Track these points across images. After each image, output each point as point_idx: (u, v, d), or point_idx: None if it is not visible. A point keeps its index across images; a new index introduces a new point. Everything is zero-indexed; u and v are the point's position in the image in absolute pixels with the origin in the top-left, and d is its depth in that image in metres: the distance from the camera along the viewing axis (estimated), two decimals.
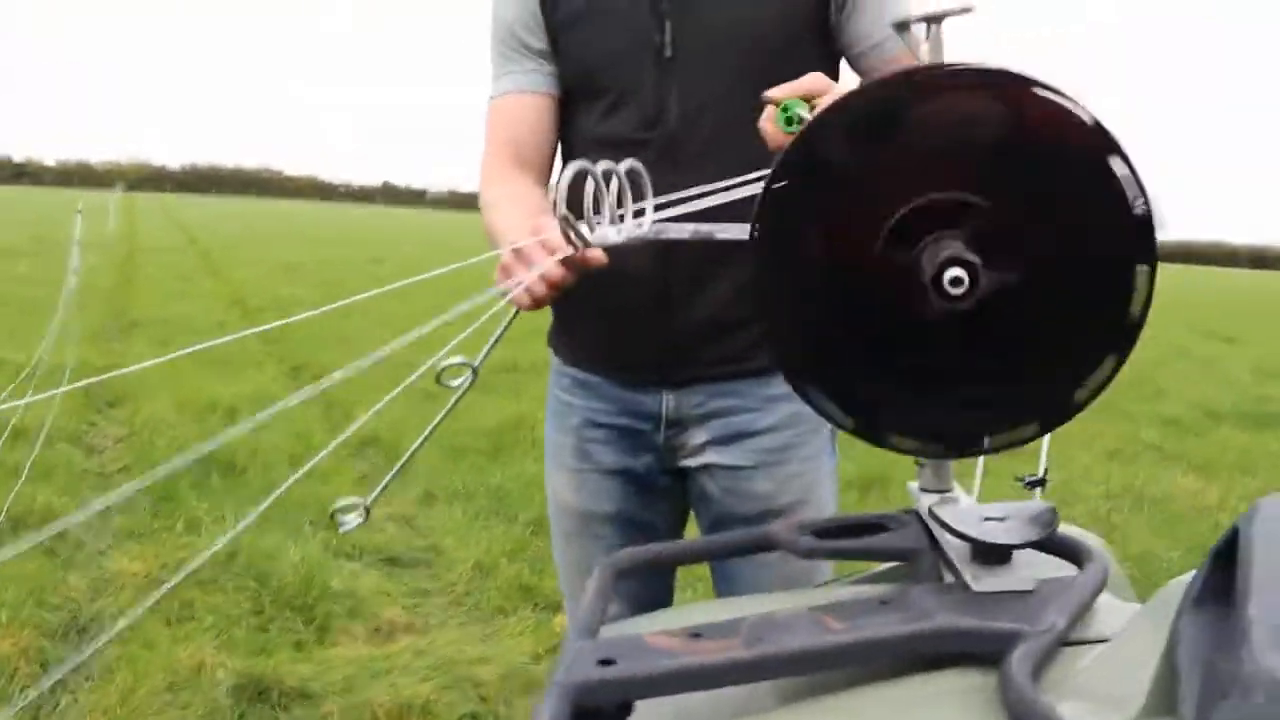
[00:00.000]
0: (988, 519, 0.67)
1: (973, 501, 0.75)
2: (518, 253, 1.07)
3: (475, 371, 1.16)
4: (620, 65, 1.32)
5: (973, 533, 0.65)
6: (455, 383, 1.18)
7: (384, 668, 2.49)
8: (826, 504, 1.42)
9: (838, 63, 1.36)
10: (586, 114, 1.37)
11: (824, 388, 0.72)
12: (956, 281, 0.61)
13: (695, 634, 0.65)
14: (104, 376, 1.33)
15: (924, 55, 0.94)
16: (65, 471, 3.94)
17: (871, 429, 0.71)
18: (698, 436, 1.38)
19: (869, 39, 1.31)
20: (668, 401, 1.36)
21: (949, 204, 0.65)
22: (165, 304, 8.55)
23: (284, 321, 1.31)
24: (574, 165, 0.91)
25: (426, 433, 1.27)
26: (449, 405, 1.22)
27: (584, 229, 0.99)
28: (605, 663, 0.61)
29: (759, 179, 0.92)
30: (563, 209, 0.92)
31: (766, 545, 0.79)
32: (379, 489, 1.34)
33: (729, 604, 0.88)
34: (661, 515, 1.45)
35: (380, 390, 1.01)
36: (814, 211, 0.69)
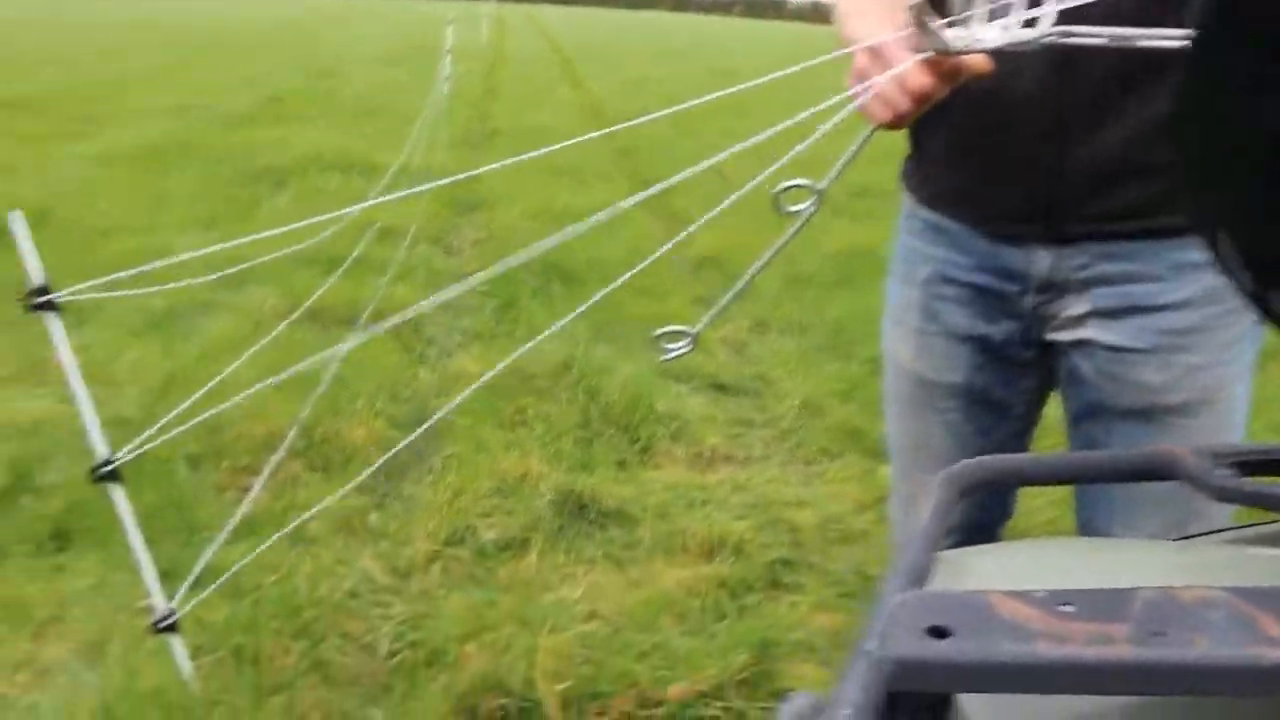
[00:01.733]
0: None
1: None
2: (874, 51, 0.84)
3: (819, 196, 0.96)
4: None
5: None
6: (796, 208, 0.98)
7: (700, 498, 2.43)
8: (1235, 413, 1.10)
9: None
10: None
11: (1244, 246, 0.47)
12: None
13: (1063, 604, 0.44)
14: (460, 177, 1.27)
15: None
16: (425, 270, 4.17)
17: None
18: (1077, 306, 1.09)
19: None
20: (1043, 260, 1.08)
21: None
22: (525, 113, 8.85)
23: (629, 124, 1.16)
24: None
25: (760, 263, 1.09)
26: (788, 233, 1.03)
27: (959, 29, 0.74)
28: (937, 633, 0.42)
29: None
30: None
31: (1162, 473, 0.56)
32: (707, 319, 1.19)
33: (1103, 548, 0.65)
34: (1017, 393, 1.20)
35: (724, 209, 0.87)
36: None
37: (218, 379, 1.92)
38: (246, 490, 2.39)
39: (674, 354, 1.07)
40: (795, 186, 0.87)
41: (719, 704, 1.74)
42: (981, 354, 1.17)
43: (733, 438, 2.86)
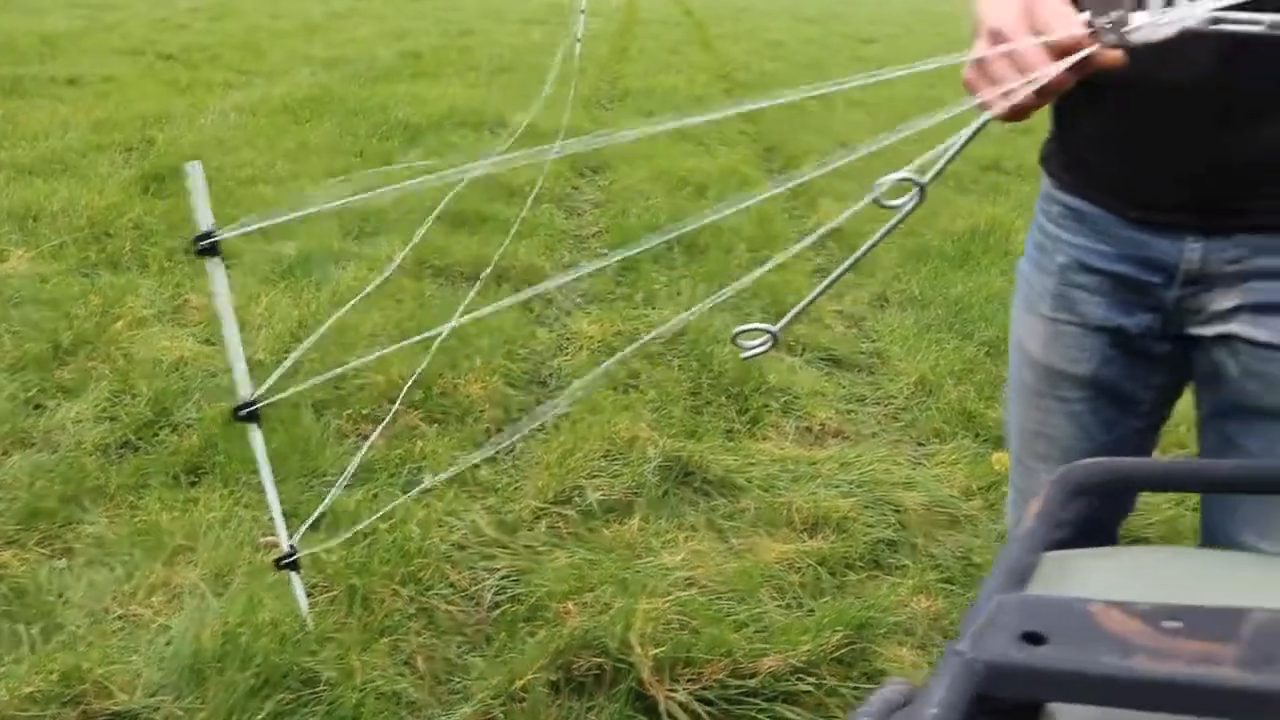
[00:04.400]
0: None
1: None
2: (997, 37, 0.82)
3: (922, 190, 0.95)
4: None
5: None
6: (897, 202, 0.98)
7: (807, 473, 2.43)
8: None
9: None
10: None
11: None
12: None
13: (1169, 619, 0.43)
14: (588, 142, 1.28)
15: None
16: (547, 230, 4.23)
17: None
18: (1226, 300, 1.04)
19: None
20: (1195, 250, 1.03)
21: None
22: (654, 75, 8.83)
23: (757, 105, 1.17)
24: None
25: (856, 256, 1.09)
26: (888, 225, 1.02)
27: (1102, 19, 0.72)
28: (1033, 639, 0.42)
29: None
30: None
31: None
32: (787, 319, 1.19)
33: (1219, 562, 0.63)
34: (1147, 388, 1.16)
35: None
36: None
37: (333, 321, 1.99)
38: (366, 438, 2.49)
39: (752, 352, 1.07)
40: (899, 180, 0.86)
41: (812, 680, 1.75)
42: (1114, 347, 1.14)
43: (844, 413, 2.84)
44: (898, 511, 2.30)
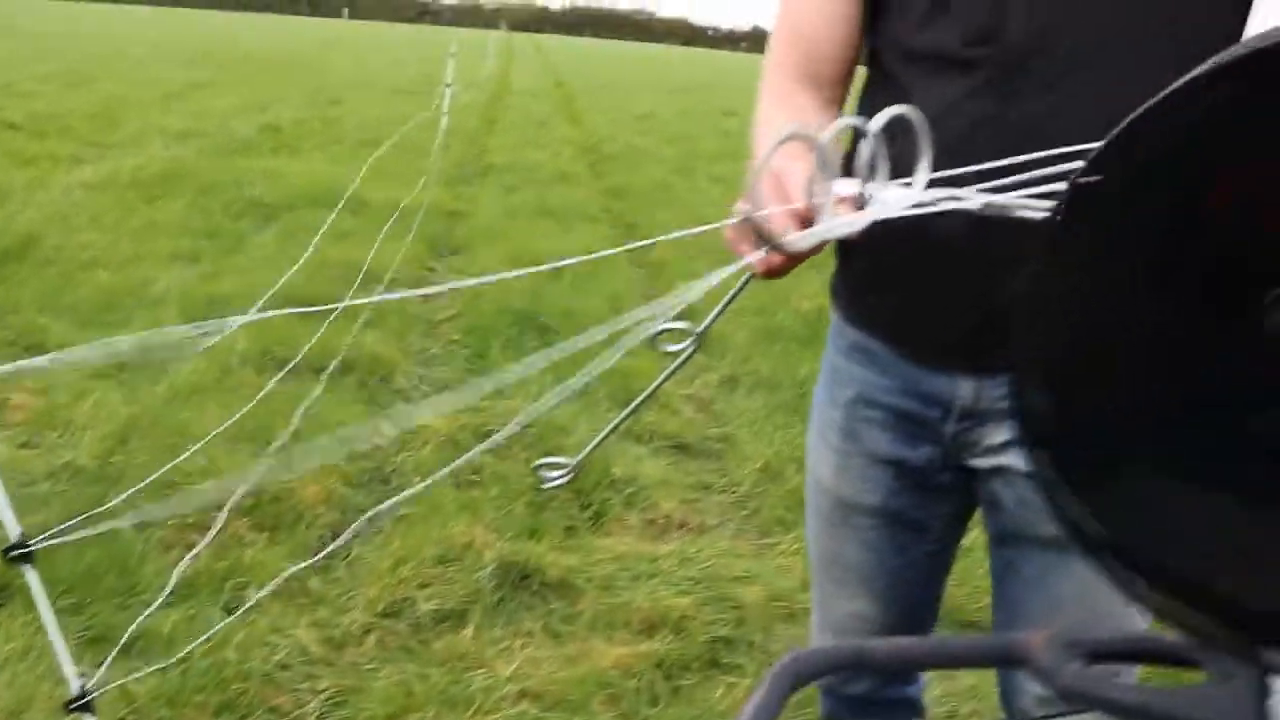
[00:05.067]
0: None
1: None
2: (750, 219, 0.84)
3: (697, 339, 0.97)
4: None
5: None
6: (674, 348, 0.99)
7: (648, 570, 2.42)
8: None
9: None
10: (900, 15, 1.05)
11: (1076, 465, 0.48)
12: None
13: None
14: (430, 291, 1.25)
15: None
16: (399, 316, 4.17)
17: (1128, 556, 0.47)
18: (997, 434, 1.09)
19: None
20: (967, 388, 1.08)
21: None
22: (521, 149, 8.89)
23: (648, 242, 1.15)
24: (789, 130, 0.67)
25: (639, 400, 1.10)
26: (667, 371, 1.03)
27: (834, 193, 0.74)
28: None
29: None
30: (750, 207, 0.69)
31: (1016, 661, 0.55)
32: (585, 452, 1.19)
33: None
34: (935, 516, 1.19)
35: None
36: (1134, 225, 0.46)
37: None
38: (192, 548, 2.39)
39: (552, 485, 1.07)
40: (671, 330, 0.87)
41: None
42: (900, 478, 1.17)
43: (689, 503, 2.86)
44: (736, 607, 2.30)
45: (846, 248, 1.16)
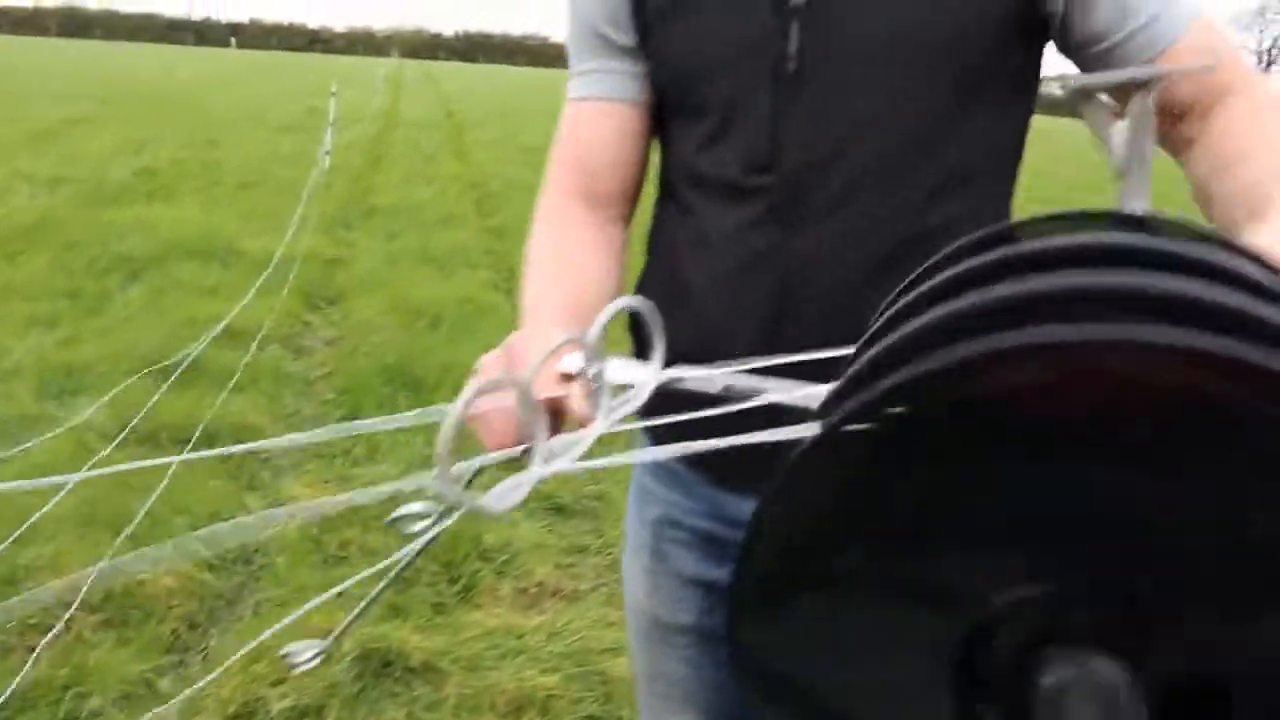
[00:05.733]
0: None
1: None
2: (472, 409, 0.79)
3: (440, 519, 0.93)
4: (723, 76, 0.97)
5: None
6: (417, 527, 0.95)
7: (515, 648, 2.38)
8: None
9: (1034, 86, 0.98)
10: (684, 136, 1.04)
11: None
12: None
13: None
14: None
15: (1116, 153, 0.60)
16: (271, 377, 4.06)
17: None
18: None
19: (1115, 31, 0.91)
20: None
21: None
22: (406, 187, 8.78)
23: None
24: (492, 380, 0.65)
25: (388, 579, 1.06)
26: (418, 547, 0.99)
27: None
28: None
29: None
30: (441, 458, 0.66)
31: None
32: (340, 629, 1.15)
33: None
34: None
35: None
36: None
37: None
38: (34, 649, 2.27)
39: (303, 666, 1.00)
40: (410, 515, 0.83)
41: None
42: (711, 596, 1.16)
43: (563, 569, 2.83)
44: (604, 683, 2.28)
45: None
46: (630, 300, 0.67)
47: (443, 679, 2.27)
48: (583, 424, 0.65)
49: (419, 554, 0.92)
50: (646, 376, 0.65)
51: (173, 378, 3.49)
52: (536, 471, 0.59)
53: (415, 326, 4.76)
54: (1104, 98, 0.60)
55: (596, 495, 3.29)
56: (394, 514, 0.70)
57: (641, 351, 1.15)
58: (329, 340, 4.68)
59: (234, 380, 3.80)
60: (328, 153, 8.27)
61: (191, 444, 3.26)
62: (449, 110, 18.97)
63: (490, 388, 0.55)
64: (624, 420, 0.63)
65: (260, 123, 13.72)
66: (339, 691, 2.18)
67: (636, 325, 1.14)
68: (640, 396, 0.69)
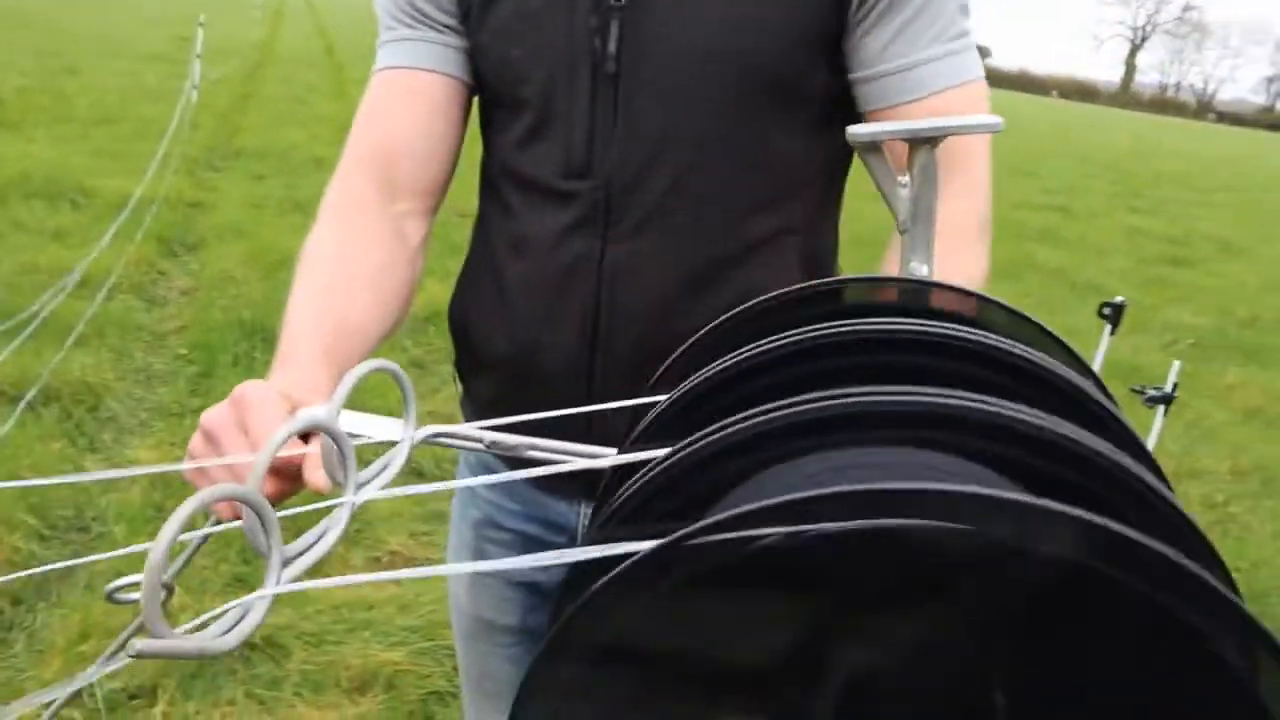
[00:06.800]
0: None
1: None
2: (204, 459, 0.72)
3: (169, 592, 0.85)
4: (543, 68, 0.92)
5: None
6: (131, 598, 0.87)
7: (363, 620, 2.33)
8: None
9: (848, 101, 0.95)
10: (504, 130, 0.99)
11: None
12: None
13: None
14: None
15: (901, 208, 0.59)
16: (118, 330, 3.86)
17: None
18: None
19: (888, 59, 0.90)
20: (588, 514, 1.06)
21: None
22: (275, 130, 8.43)
23: None
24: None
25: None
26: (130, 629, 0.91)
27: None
28: None
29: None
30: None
31: None
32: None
33: None
34: None
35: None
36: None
37: None
38: None
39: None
40: (127, 585, 0.72)
41: None
42: (533, 596, 1.15)
43: (418, 537, 2.78)
44: (453, 657, 2.25)
45: (464, 366, 1.11)
46: (380, 363, 0.62)
47: (285, 655, 2.21)
48: (319, 493, 0.60)
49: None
50: (394, 433, 0.60)
51: (26, 333, 3.29)
52: (269, 590, 0.51)
53: (277, 278, 4.57)
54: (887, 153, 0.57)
55: (453, 458, 3.23)
56: (109, 586, 0.62)
57: (464, 360, 1.11)
58: (185, 290, 4.48)
59: (76, 332, 3.60)
60: (195, 87, 7.87)
61: (26, 402, 3.08)
62: (329, 45, 18.29)
63: (211, 498, 0.47)
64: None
65: (122, 52, 12.98)
66: (172, 671, 2.09)
67: (460, 332, 1.09)
68: (390, 471, 0.64)
